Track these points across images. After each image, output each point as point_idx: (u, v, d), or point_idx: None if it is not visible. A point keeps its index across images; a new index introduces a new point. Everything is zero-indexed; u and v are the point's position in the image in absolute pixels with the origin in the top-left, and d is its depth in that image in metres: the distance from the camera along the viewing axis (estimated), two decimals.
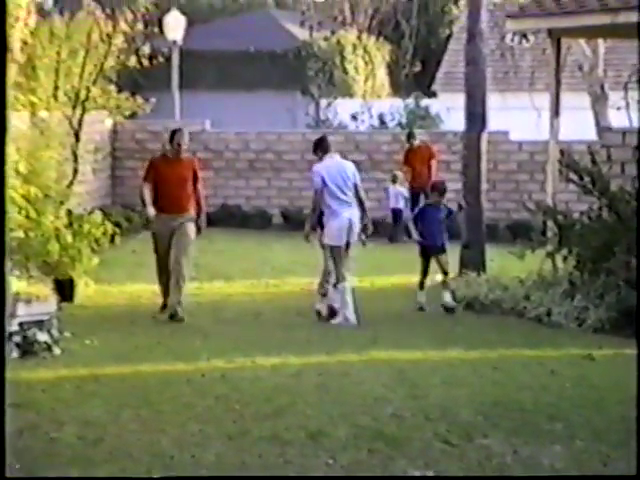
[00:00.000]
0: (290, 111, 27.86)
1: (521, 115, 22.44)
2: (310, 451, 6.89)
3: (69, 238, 12.50)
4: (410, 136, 19.53)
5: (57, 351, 9.70)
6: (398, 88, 33.21)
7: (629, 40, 16.62)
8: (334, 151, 11.87)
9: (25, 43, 16.94)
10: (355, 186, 11.72)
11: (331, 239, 11.61)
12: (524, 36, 24.61)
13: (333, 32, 31.53)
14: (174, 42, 25.55)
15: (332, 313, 11.64)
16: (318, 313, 11.69)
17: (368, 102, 27.72)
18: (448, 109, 25.32)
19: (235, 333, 10.97)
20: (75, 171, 17.00)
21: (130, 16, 19.90)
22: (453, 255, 13.53)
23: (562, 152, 13.22)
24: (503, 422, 7.59)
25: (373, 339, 10.58)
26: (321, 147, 11.87)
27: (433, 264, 12.65)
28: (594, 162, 12.49)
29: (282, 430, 7.28)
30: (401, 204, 19.35)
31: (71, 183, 16.06)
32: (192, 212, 11.64)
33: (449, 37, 32.97)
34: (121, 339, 10.48)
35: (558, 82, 13.98)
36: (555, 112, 13.96)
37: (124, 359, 9.60)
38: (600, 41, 21.46)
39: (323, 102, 28.28)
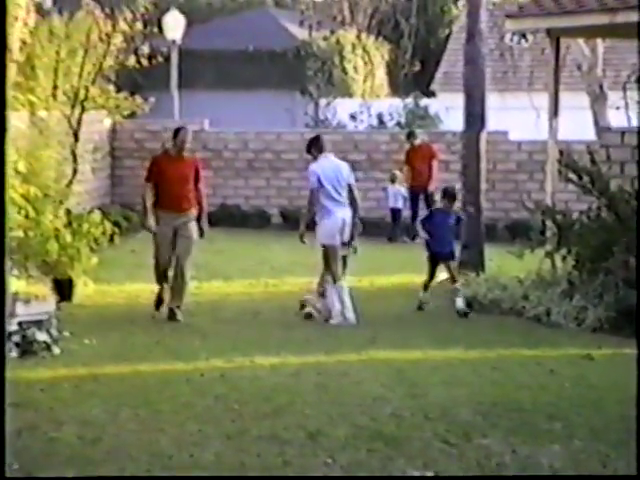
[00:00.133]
0: (289, 111, 27.85)
1: (520, 115, 22.44)
2: (309, 451, 6.89)
3: (68, 238, 12.50)
4: (410, 135, 19.50)
5: (56, 351, 9.70)
6: (397, 88, 33.21)
7: (628, 40, 16.61)
8: (329, 151, 11.89)
9: (24, 42, 16.93)
10: (349, 186, 11.73)
11: (325, 238, 11.62)
12: (523, 36, 24.64)
13: (332, 32, 31.54)
14: (173, 42, 25.54)
15: (308, 315, 11.67)
16: (302, 306, 11.72)
17: (367, 102, 27.71)
18: (447, 109, 25.32)
19: (234, 333, 10.97)
20: (74, 171, 16.99)
21: (129, 16, 19.88)
22: None
23: (561, 152, 13.22)
24: (502, 422, 7.59)
25: (372, 339, 10.58)
26: (316, 146, 11.87)
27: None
28: (593, 162, 12.50)
29: (281, 430, 7.28)
30: (400, 204, 19.35)
31: (70, 182, 16.05)
32: (194, 211, 11.62)
33: (448, 37, 32.97)
34: (120, 339, 10.48)
35: (557, 82, 13.98)
36: (554, 112, 13.96)
37: (123, 359, 9.60)
38: (599, 41, 21.45)
39: (322, 102, 28.27)
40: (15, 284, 10.52)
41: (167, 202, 11.45)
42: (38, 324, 9.82)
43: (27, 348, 9.60)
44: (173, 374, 9.06)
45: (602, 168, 12.54)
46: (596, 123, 21.58)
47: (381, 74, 33.52)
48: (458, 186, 15.49)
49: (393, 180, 19.49)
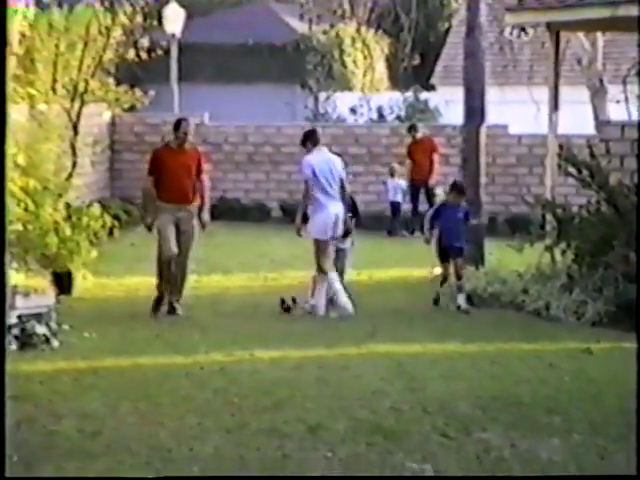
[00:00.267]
0: (289, 104, 27.82)
1: (520, 109, 22.40)
2: (309, 444, 6.89)
3: (68, 231, 12.49)
4: (412, 128, 19.46)
5: (55, 344, 9.70)
6: (397, 81, 33.17)
7: (628, 33, 16.60)
8: (324, 144, 11.91)
9: (23, 35, 16.91)
10: (341, 180, 11.75)
11: (316, 233, 11.65)
12: (523, 29, 24.57)
13: (332, 25, 31.49)
14: (173, 35, 25.51)
15: (287, 308, 11.68)
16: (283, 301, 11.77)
17: (367, 95, 27.69)
18: (447, 102, 25.29)
19: (234, 326, 10.97)
20: (74, 164, 16.98)
21: (129, 9, 19.86)
22: None
23: (561, 146, 13.21)
24: (501, 415, 7.60)
25: (372, 332, 10.59)
26: (311, 139, 11.89)
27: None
28: (593, 156, 12.49)
29: (281, 423, 7.29)
30: (399, 197, 19.33)
31: (70, 176, 16.04)
32: (195, 204, 11.52)
33: (448, 30, 32.91)
34: (119, 332, 10.48)
35: (557, 76, 13.96)
36: (554, 106, 13.95)
37: (122, 352, 9.60)
38: (599, 34, 21.43)
39: (322, 95, 28.24)
40: (15, 277, 10.52)
41: (169, 194, 11.39)
42: (37, 317, 9.82)
43: (26, 341, 9.61)
44: (173, 367, 9.06)
45: (602, 162, 12.53)
46: (596, 117, 21.56)
47: (381, 68, 33.48)
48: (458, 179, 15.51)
49: (392, 174, 19.48)
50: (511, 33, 25.41)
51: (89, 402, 7.84)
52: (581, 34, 21.22)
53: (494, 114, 18.61)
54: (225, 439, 6.99)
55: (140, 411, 7.63)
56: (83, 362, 9.10)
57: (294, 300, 11.74)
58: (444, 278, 12.28)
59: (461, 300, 12.03)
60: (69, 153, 16.94)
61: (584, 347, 9.89)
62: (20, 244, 11.94)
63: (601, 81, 21.98)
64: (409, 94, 27.14)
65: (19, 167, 12.50)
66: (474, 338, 10.39)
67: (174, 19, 25.64)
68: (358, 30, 32.50)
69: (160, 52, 23.10)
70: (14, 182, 12.10)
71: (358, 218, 12.58)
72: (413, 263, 14.60)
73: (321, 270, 11.64)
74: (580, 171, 12.40)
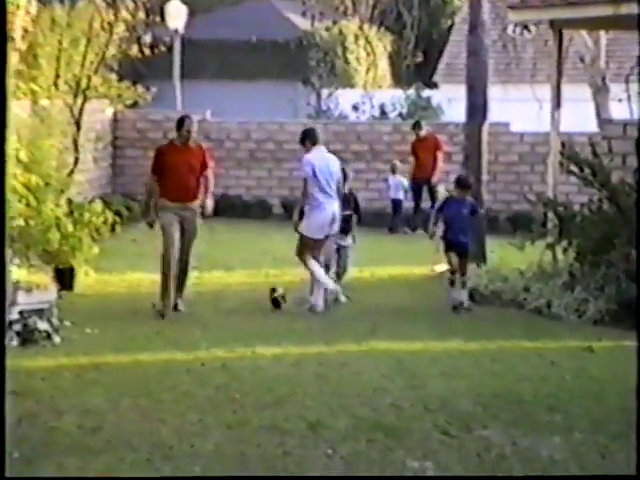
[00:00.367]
0: (291, 101, 27.82)
1: (522, 106, 22.38)
2: (309, 441, 6.90)
3: (69, 227, 12.49)
4: (416, 125, 19.44)
5: (57, 340, 9.71)
6: (399, 79, 33.16)
7: (631, 32, 16.55)
8: (325, 141, 11.94)
9: (26, 31, 16.92)
10: (338, 180, 11.79)
11: (311, 232, 11.68)
12: (526, 27, 24.55)
13: (335, 22, 31.48)
14: (176, 31, 25.50)
15: (276, 303, 11.71)
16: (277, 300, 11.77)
17: (369, 92, 27.67)
18: (449, 100, 25.28)
19: (235, 323, 10.98)
20: (76, 160, 16.97)
21: (131, 5, 19.85)
22: None
23: (563, 144, 13.20)
24: (502, 413, 7.60)
25: (372, 329, 10.59)
26: (310, 138, 11.91)
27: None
28: (595, 154, 12.48)
29: (282, 420, 7.29)
30: (401, 194, 19.31)
31: (72, 172, 16.04)
32: (199, 202, 11.44)
33: (451, 28, 32.90)
34: (121, 328, 10.49)
35: (559, 74, 13.96)
36: (556, 104, 13.94)
37: (124, 348, 9.60)
38: (602, 33, 21.42)
39: (324, 92, 28.24)
40: (16, 273, 10.53)
41: (173, 193, 11.30)
42: (39, 313, 9.83)
43: (28, 337, 9.61)
44: (174, 364, 9.07)
45: (604, 160, 12.52)
46: (598, 115, 21.55)
47: (383, 65, 33.47)
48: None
49: (394, 171, 19.46)
50: (514, 31, 25.39)
51: (90, 398, 7.84)
52: (584, 32, 21.21)
53: (496, 112, 18.62)
54: (226, 436, 7.00)
55: (141, 407, 7.64)
56: (84, 358, 9.10)
57: (284, 297, 11.75)
58: (452, 276, 11.99)
59: (463, 296, 12.00)
60: (71, 149, 16.93)
61: (585, 345, 9.89)
62: (22, 240, 11.95)
63: (603, 79, 21.97)
64: (411, 91, 27.13)
65: (21, 163, 12.50)
66: (475, 336, 10.39)
67: (177, 15, 25.65)
68: (361, 27, 32.50)
69: (163, 48, 23.11)
70: (16, 178, 12.10)
71: (359, 215, 12.59)
72: (414, 260, 14.60)
73: (301, 259, 11.69)
74: (582, 169, 12.39)
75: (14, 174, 12.09)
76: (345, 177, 12.34)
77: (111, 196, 19.15)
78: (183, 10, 25.83)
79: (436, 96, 27.23)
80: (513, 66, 26.23)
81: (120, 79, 20.19)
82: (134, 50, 20.19)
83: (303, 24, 30.98)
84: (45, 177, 12.80)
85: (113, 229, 13.31)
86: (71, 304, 11.19)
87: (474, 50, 14.97)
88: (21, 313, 9.74)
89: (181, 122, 11.48)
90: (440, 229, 12.13)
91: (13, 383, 8.05)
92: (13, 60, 15.98)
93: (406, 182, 19.30)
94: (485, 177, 15.11)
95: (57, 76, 17.69)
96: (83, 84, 17.69)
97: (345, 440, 6.94)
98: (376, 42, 32.94)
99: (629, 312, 10.78)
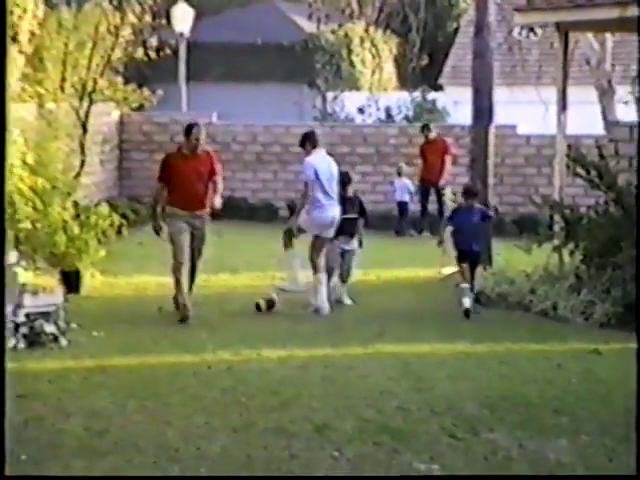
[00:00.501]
0: (297, 104, 27.83)
1: (528, 109, 22.37)
2: (316, 444, 6.90)
3: (76, 230, 12.51)
4: (425, 128, 19.42)
5: (64, 342, 9.72)
6: (405, 81, 33.16)
7: (637, 34, 16.55)
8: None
9: (33, 34, 16.95)
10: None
11: (307, 226, 11.75)
12: (532, 30, 24.54)
13: (340, 25, 31.50)
14: (181, 34, 25.53)
15: (270, 305, 11.73)
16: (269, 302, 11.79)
17: (375, 95, 27.68)
18: (455, 103, 25.27)
19: (241, 325, 10.98)
20: (82, 163, 17.00)
21: (138, 8, 19.88)
22: None
23: (569, 146, 13.19)
24: (509, 416, 7.60)
25: (379, 332, 10.59)
26: (310, 141, 11.94)
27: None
28: (601, 156, 12.47)
29: (288, 423, 7.30)
30: (407, 197, 19.30)
31: (78, 175, 16.06)
32: (208, 210, 11.34)
33: (456, 30, 32.91)
34: (127, 331, 10.50)
35: (565, 76, 13.95)
36: (562, 106, 13.93)
37: (130, 351, 9.62)
38: (608, 35, 21.40)
39: (330, 95, 28.25)
40: (23, 276, 10.53)
41: (182, 201, 11.19)
42: (46, 315, 9.84)
43: (35, 339, 9.62)
44: (180, 366, 9.08)
45: (610, 162, 12.51)
46: (604, 117, 21.54)
47: (389, 67, 33.49)
48: (466, 179, 15.50)
49: (400, 173, 19.46)
50: (520, 33, 25.38)
51: (97, 400, 7.85)
52: (590, 35, 21.19)
53: (502, 114, 18.59)
54: (232, 438, 7.01)
55: (148, 410, 7.65)
56: (91, 361, 9.11)
57: (270, 302, 11.78)
58: (465, 285, 11.78)
59: (467, 304, 11.74)
60: (78, 152, 16.96)
61: (592, 348, 9.88)
62: (29, 243, 11.97)
63: (609, 82, 21.95)
64: (417, 94, 27.13)
65: (28, 166, 12.52)
66: (482, 338, 10.38)
67: (183, 18, 25.67)
68: (367, 30, 32.51)
69: (168, 51, 23.16)
70: (23, 181, 12.12)
71: (366, 218, 12.58)
72: (421, 263, 14.60)
73: (313, 263, 11.78)
74: (588, 172, 12.38)
75: (21, 177, 12.12)
76: (349, 180, 12.35)
77: (117, 199, 19.17)
78: (189, 13, 25.86)
79: (442, 99, 27.23)
80: (519, 68, 26.22)
81: (126, 82, 20.23)
82: (140, 53, 20.23)
83: (309, 27, 30.99)
84: (52, 180, 12.82)
85: (119, 232, 13.32)
86: (78, 307, 11.20)
87: (480, 52, 14.96)
88: (28, 316, 9.75)
89: (189, 130, 11.34)
90: (449, 237, 12.07)
91: (20, 385, 8.08)
92: (20, 63, 16.02)
93: (412, 185, 19.29)
94: (491, 180, 15.10)
95: (63, 79, 17.71)
96: (89, 87, 17.72)
97: (351, 442, 6.94)
98: (382, 45, 32.95)
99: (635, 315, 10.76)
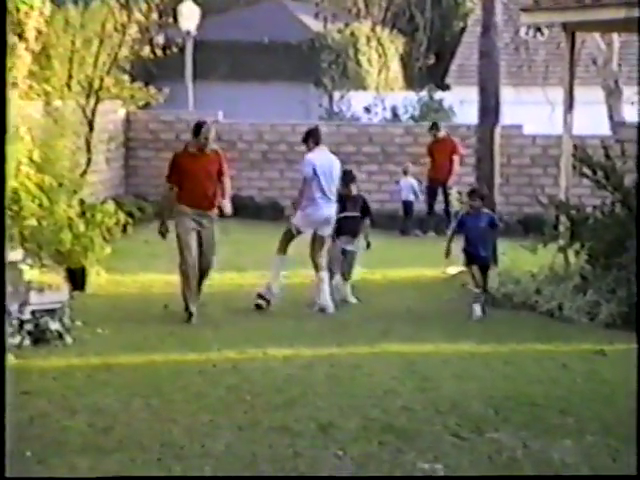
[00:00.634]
0: (303, 103, 27.82)
1: (535, 109, 22.36)
2: (320, 443, 6.90)
3: (82, 227, 12.51)
4: (434, 127, 19.39)
5: (69, 340, 9.73)
6: (411, 81, 33.16)
7: (638, 35, 16.53)
8: (325, 144, 11.97)
9: (40, 32, 16.94)
10: (337, 182, 11.87)
11: (300, 223, 11.81)
12: (538, 30, 24.52)
13: (347, 24, 31.48)
14: (188, 32, 25.54)
15: (259, 303, 11.70)
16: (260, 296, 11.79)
17: (381, 94, 27.68)
18: (461, 102, 25.25)
19: (247, 324, 10.99)
20: (88, 160, 17.01)
21: (144, 6, 19.88)
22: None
23: (576, 146, 13.18)
24: (514, 416, 7.59)
25: (384, 332, 10.59)
26: (313, 138, 11.92)
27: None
28: (608, 157, 12.46)
29: (292, 421, 7.30)
30: (412, 196, 19.27)
31: (84, 172, 16.08)
32: (216, 210, 11.28)
33: (463, 30, 32.89)
34: (133, 328, 10.51)
35: (572, 76, 13.93)
36: (569, 106, 13.92)
37: (136, 348, 9.62)
38: (615, 35, 21.37)
39: (336, 94, 28.24)
40: (29, 273, 10.54)
41: (191, 200, 11.12)
42: (51, 313, 9.85)
43: (40, 337, 9.64)
44: (185, 364, 9.08)
45: (617, 163, 12.50)
46: (611, 118, 21.52)
47: (395, 67, 33.47)
48: (472, 179, 15.50)
49: (406, 172, 19.44)
50: (527, 33, 25.36)
51: (102, 398, 7.86)
52: (597, 35, 21.17)
53: (509, 114, 18.58)
54: (237, 436, 7.01)
55: (153, 407, 7.65)
56: (96, 358, 9.12)
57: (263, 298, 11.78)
58: (477, 291, 11.72)
59: (478, 311, 11.66)
60: (84, 150, 16.96)
61: (597, 348, 9.87)
62: (34, 240, 11.97)
63: (616, 82, 21.93)
64: (423, 93, 27.12)
65: (34, 163, 12.52)
66: (487, 338, 10.38)
67: (189, 16, 25.68)
68: (373, 29, 32.50)
69: (175, 49, 23.15)
70: (29, 178, 12.13)
71: (372, 218, 12.56)
72: (426, 263, 14.59)
73: (314, 261, 11.78)
74: (595, 172, 12.37)
75: (27, 174, 12.13)
76: (352, 178, 12.32)
77: (123, 197, 19.18)
78: (196, 11, 25.87)
79: (448, 98, 27.22)
80: (525, 68, 26.19)
81: (132, 80, 20.22)
82: (146, 51, 20.22)
83: (315, 26, 30.97)
84: (58, 177, 12.82)
85: (125, 230, 13.33)
86: (83, 304, 11.21)
87: (486, 52, 14.96)
88: (33, 313, 9.76)
89: (198, 129, 11.25)
90: (459, 243, 11.95)
91: (25, 382, 8.10)
92: (26, 61, 16.02)
93: (417, 184, 19.27)
94: (497, 180, 15.10)
95: (70, 77, 17.71)
96: (96, 85, 17.73)
97: (356, 441, 6.94)
98: (388, 44, 32.94)
99: None
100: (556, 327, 11.18)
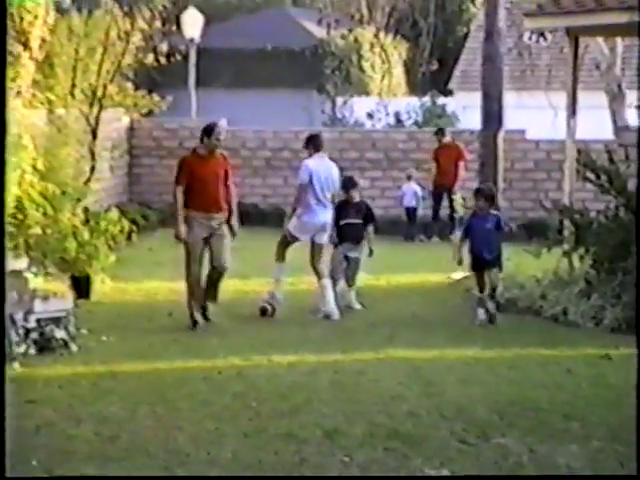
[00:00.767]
0: (306, 109, 27.85)
1: (538, 114, 22.38)
2: (326, 449, 6.90)
3: (86, 235, 12.53)
4: (439, 132, 19.40)
5: (74, 348, 9.74)
6: (414, 86, 33.21)
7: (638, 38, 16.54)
8: (328, 150, 11.96)
9: (44, 40, 16.98)
10: (335, 189, 11.86)
11: (295, 230, 11.81)
12: (542, 34, 24.54)
13: (350, 30, 31.56)
14: (191, 40, 25.59)
15: (263, 312, 11.72)
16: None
17: (384, 100, 27.70)
18: (464, 107, 25.30)
19: (251, 331, 10.99)
20: (92, 168, 17.03)
21: (148, 14, 19.93)
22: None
23: (579, 151, 13.18)
24: (519, 421, 7.59)
25: (389, 337, 10.59)
26: (314, 144, 11.92)
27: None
28: (611, 161, 12.46)
29: (298, 428, 7.30)
30: (414, 202, 19.26)
31: (88, 180, 16.10)
32: (225, 213, 11.22)
33: (466, 35, 32.93)
34: (138, 336, 10.51)
35: (575, 81, 13.93)
36: (572, 111, 13.92)
37: (141, 356, 9.63)
38: (618, 40, 21.38)
39: (339, 100, 28.28)
40: (33, 281, 10.55)
41: (201, 203, 11.05)
42: (56, 321, 9.85)
43: (45, 345, 9.64)
44: (191, 372, 9.08)
45: (620, 167, 12.49)
46: (614, 122, 21.52)
47: (399, 73, 33.52)
48: (475, 185, 15.49)
49: (410, 177, 19.45)
50: (530, 38, 25.38)
51: (108, 406, 7.86)
52: (600, 39, 21.17)
53: (512, 119, 18.62)
54: (243, 443, 7.01)
55: (158, 415, 7.65)
56: (102, 366, 9.13)
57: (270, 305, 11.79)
58: (481, 295, 11.61)
59: (481, 315, 11.63)
60: (88, 158, 16.99)
61: (602, 353, 9.86)
62: (39, 248, 11.98)
63: (619, 86, 21.93)
64: (427, 99, 27.14)
65: (38, 172, 12.54)
66: (492, 343, 10.37)
67: (193, 24, 25.74)
68: (376, 35, 32.55)
69: (178, 57, 23.21)
70: (33, 186, 12.15)
71: (376, 225, 12.54)
72: (431, 268, 14.59)
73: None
74: (598, 176, 12.37)
75: (31, 183, 12.14)
76: (353, 185, 12.28)
77: (127, 205, 19.20)
78: (199, 19, 25.92)
79: (451, 103, 27.24)
80: (528, 73, 26.23)
81: (136, 88, 20.25)
82: (150, 59, 20.26)
83: (318, 32, 31.05)
84: (62, 186, 12.84)
85: (129, 237, 13.34)
86: (88, 312, 11.22)
87: (490, 57, 14.97)
88: (38, 321, 9.76)
89: (211, 129, 11.20)
90: (466, 245, 11.86)
91: (31, 391, 8.10)
92: (30, 70, 16.06)
93: (420, 190, 19.27)
94: (501, 184, 15.09)
95: (73, 85, 17.74)
96: (99, 93, 17.76)
97: (362, 448, 6.94)
98: (391, 50, 32.99)
99: None
100: (561, 332, 11.17)
